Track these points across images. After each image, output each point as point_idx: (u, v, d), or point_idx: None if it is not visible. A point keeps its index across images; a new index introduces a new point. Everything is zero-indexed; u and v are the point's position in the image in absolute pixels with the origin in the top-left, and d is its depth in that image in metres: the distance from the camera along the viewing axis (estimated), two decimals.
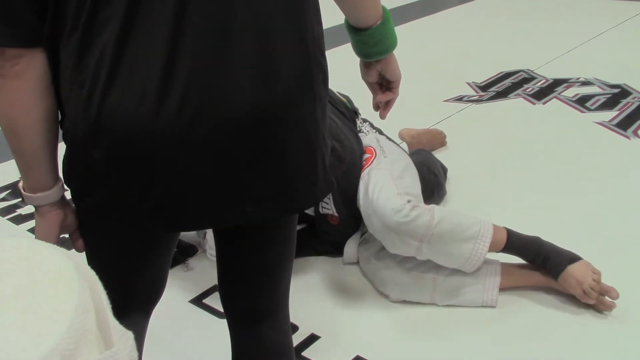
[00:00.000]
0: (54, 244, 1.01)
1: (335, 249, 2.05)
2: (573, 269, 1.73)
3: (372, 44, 1.14)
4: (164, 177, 0.92)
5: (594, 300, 1.72)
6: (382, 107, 1.24)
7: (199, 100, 0.88)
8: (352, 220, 1.96)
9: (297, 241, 1.16)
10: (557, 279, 1.75)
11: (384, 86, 1.21)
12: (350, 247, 2.01)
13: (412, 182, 1.88)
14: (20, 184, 1.01)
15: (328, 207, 1.94)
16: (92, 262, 1.08)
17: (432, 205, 1.75)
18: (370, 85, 1.22)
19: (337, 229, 1.99)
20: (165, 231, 1.06)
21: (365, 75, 1.21)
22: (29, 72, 0.90)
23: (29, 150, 0.95)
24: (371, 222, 1.77)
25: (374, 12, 1.12)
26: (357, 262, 2.02)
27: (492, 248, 1.74)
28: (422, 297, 1.82)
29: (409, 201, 1.71)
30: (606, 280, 1.77)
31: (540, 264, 1.77)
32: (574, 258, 1.76)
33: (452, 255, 1.72)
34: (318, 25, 0.98)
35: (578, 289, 1.72)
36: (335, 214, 1.94)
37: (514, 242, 1.77)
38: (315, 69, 0.97)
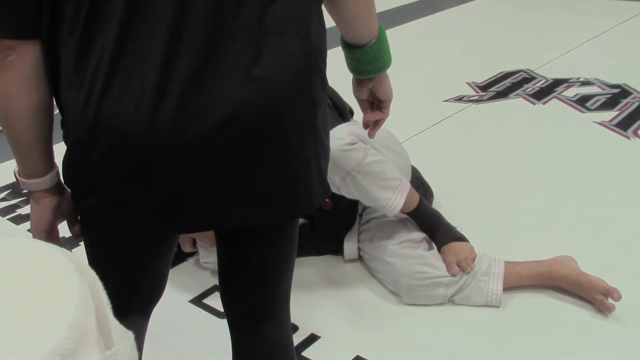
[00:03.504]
0: (47, 229, 1.03)
1: (335, 247, 2.06)
2: (456, 244, 1.90)
3: (365, 62, 1.13)
4: (163, 179, 0.92)
5: (469, 269, 1.83)
6: (371, 125, 1.24)
7: (196, 103, 0.88)
8: (344, 203, 1.98)
9: (298, 240, 1.16)
10: (440, 249, 1.92)
11: (375, 104, 1.21)
12: (350, 243, 2.02)
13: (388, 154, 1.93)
14: (16, 169, 1.02)
15: None
16: (93, 262, 1.09)
17: (368, 147, 1.85)
18: (360, 102, 1.22)
19: (333, 216, 2.00)
20: (164, 233, 1.06)
21: (356, 92, 1.20)
22: (20, 63, 0.91)
23: (21, 139, 0.96)
24: None
25: (369, 30, 1.11)
26: (359, 259, 2.03)
27: (405, 206, 1.89)
28: (434, 302, 1.84)
29: (354, 143, 1.82)
30: (607, 280, 1.77)
31: (431, 235, 1.95)
32: (460, 238, 1.93)
33: (370, 196, 1.85)
34: (320, 32, 0.97)
35: (453, 258, 1.87)
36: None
37: (422, 210, 1.94)
38: (314, 75, 0.96)
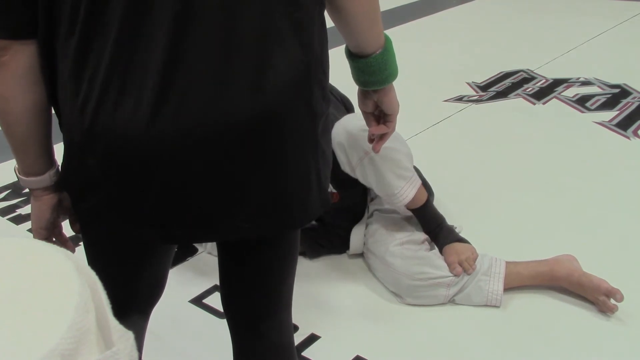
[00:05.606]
0: (47, 226, 1.04)
1: (339, 242, 2.04)
2: (457, 245, 1.92)
3: (369, 72, 1.10)
4: (157, 185, 0.91)
5: (471, 270, 1.83)
6: (376, 139, 1.22)
7: (194, 112, 0.87)
8: (351, 197, 1.98)
9: (303, 234, 1.15)
10: (441, 249, 1.93)
11: (381, 118, 1.19)
12: (357, 236, 2.02)
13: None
14: (15, 166, 1.02)
15: None
16: (92, 263, 1.08)
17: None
18: (365, 115, 1.20)
19: (341, 208, 1.99)
20: (157, 242, 1.06)
21: (361, 104, 1.18)
22: (14, 64, 0.90)
23: (18, 138, 0.97)
24: (337, 132, 1.82)
25: (374, 40, 1.09)
26: (362, 254, 2.02)
27: (413, 201, 1.89)
28: (435, 302, 1.84)
29: None
30: (608, 280, 1.77)
31: (434, 236, 1.96)
32: (461, 239, 1.94)
33: (384, 181, 1.84)
34: (322, 41, 0.97)
35: (455, 258, 1.88)
36: (334, 190, 1.95)
37: (427, 209, 1.95)
38: (314, 86, 0.95)
